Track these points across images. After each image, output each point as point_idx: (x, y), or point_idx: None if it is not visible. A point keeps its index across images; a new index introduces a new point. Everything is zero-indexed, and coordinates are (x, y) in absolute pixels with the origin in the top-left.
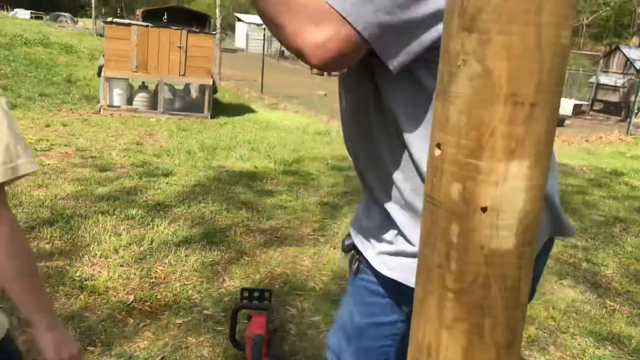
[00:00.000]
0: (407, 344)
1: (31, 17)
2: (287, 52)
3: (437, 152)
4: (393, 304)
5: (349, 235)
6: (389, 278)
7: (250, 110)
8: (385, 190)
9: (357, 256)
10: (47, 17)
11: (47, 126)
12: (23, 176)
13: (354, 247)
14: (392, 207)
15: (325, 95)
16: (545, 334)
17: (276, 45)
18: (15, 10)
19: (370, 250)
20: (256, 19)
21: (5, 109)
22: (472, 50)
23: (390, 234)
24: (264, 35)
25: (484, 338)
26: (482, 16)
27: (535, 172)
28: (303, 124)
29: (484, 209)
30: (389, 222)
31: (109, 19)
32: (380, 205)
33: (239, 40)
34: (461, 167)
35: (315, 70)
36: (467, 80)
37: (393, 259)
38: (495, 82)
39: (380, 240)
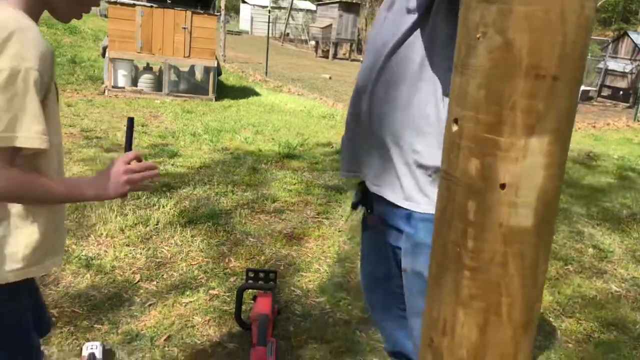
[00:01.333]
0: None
1: None
2: (291, 34)
3: (455, 127)
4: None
5: (356, 194)
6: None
7: (254, 93)
8: (399, 114)
9: (368, 210)
10: None
11: None
12: (24, 150)
13: (364, 199)
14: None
15: (330, 78)
16: (551, 319)
17: (280, 27)
18: None
19: (390, 191)
20: (260, 0)
21: (10, 82)
22: (492, 21)
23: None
24: (269, 17)
25: (501, 317)
26: None
27: (556, 148)
28: (307, 107)
29: (503, 186)
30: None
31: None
32: (386, 141)
33: (243, 23)
34: (479, 143)
35: (319, 53)
36: (486, 52)
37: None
38: (516, 54)
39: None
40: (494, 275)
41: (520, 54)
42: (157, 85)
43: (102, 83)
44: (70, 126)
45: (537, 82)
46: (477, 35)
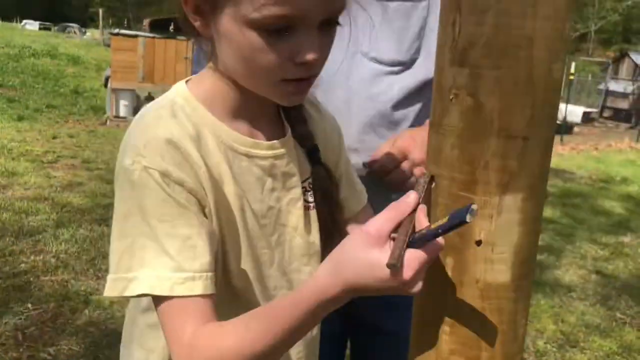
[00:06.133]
0: None
1: (40, 29)
2: None
3: (432, 184)
4: None
5: None
6: None
7: None
8: None
9: None
10: (55, 28)
11: (54, 138)
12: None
13: None
14: None
15: None
16: (554, 348)
17: None
18: (24, 21)
19: None
20: None
21: None
22: (463, 84)
23: None
24: None
25: None
26: (473, 51)
27: (530, 204)
28: None
29: (478, 243)
30: None
31: (115, 30)
32: None
33: None
34: (455, 200)
35: None
36: (459, 113)
37: None
38: (487, 116)
39: None
40: (472, 330)
41: (491, 116)
42: None
43: (104, 113)
44: (72, 157)
45: (508, 143)
46: (450, 97)
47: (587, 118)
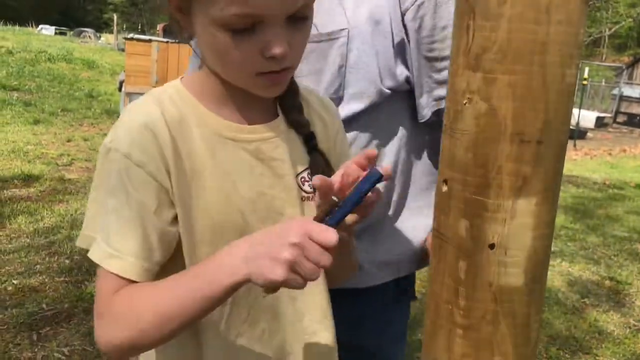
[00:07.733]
0: None
1: (56, 33)
2: None
3: (444, 188)
4: None
5: None
6: None
7: None
8: None
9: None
10: (71, 33)
11: (69, 141)
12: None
13: None
14: None
15: None
16: (567, 355)
17: None
18: (41, 26)
19: None
20: None
21: None
22: (477, 88)
23: None
24: None
25: None
26: (487, 55)
27: (543, 209)
28: None
29: (492, 246)
30: None
31: (130, 35)
32: None
33: None
34: (468, 204)
35: None
36: (472, 118)
37: None
38: (501, 120)
39: None
40: (485, 334)
41: (504, 120)
42: None
43: (118, 117)
44: (87, 160)
45: (522, 147)
46: (464, 101)
47: (600, 123)
